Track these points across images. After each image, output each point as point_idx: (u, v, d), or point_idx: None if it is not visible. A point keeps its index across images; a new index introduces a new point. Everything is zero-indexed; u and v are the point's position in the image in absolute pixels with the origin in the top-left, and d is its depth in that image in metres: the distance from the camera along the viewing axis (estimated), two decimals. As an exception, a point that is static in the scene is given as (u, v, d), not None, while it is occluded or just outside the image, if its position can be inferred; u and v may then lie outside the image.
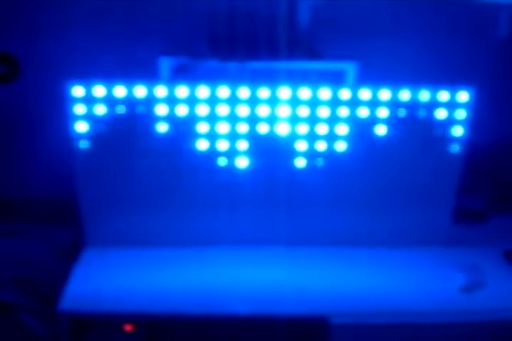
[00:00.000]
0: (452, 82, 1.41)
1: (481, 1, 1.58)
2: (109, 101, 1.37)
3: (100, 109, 1.38)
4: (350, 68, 1.48)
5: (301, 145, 1.43)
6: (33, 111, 1.69)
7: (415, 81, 1.39)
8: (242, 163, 1.44)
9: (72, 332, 1.27)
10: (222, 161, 1.44)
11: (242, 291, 1.35)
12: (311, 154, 1.44)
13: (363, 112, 1.40)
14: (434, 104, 1.41)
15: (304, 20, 1.57)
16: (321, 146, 1.43)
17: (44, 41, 1.62)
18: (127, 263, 1.45)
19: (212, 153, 1.43)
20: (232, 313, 1.28)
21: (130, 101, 1.37)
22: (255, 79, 1.39)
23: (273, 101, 1.39)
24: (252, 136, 1.42)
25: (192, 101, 1.38)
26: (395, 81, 1.39)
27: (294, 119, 1.40)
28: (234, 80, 1.38)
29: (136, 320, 1.28)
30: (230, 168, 1.44)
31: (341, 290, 1.36)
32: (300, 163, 1.44)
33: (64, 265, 1.47)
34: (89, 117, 1.38)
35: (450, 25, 1.64)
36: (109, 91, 1.37)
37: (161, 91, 1.37)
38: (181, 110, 1.39)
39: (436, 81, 1.41)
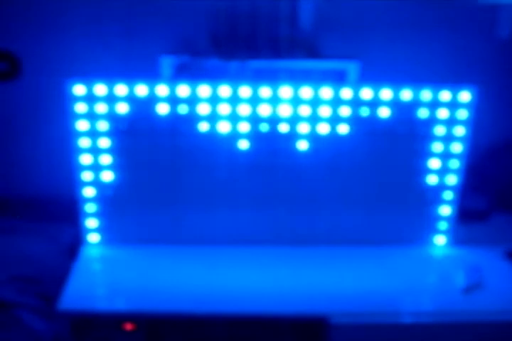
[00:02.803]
0: (454, 81, 1.41)
1: (483, 0, 1.58)
2: (111, 99, 1.37)
3: (101, 108, 1.38)
4: (351, 67, 1.48)
5: (302, 145, 1.42)
6: (34, 109, 1.68)
7: (417, 80, 1.39)
8: (244, 162, 1.43)
9: (73, 331, 1.27)
10: (223, 160, 1.43)
11: (242, 291, 1.34)
12: (312, 153, 1.43)
13: (365, 111, 1.40)
14: (435, 104, 1.41)
15: (305, 20, 1.56)
16: (322, 145, 1.42)
17: (46, 39, 1.62)
18: (128, 261, 1.45)
19: (214, 152, 1.43)
20: (232, 312, 1.27)
21: (131, 100, 1.37)
22: (257, 79, 1.39)
23: (274, 101, 1.38)
24: (254, 136, 1.42)
25: (193, 100, 1.38)
26: (397, 80, 1.39)
27: (296, 119, 1.40)
28: (235, 79, 1.38)
29: (137, 319, 1.27)
30: (232, 167, 1.44)
31: (341, 290, 1.35)
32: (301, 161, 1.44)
33: (65, 263, 1.47)
34: (90, 116, 1.38)
35: (452, 25, 1.63)
36: (111, 89, 1.36)
37: (162, 90, 1.37)
38: (183, 109, 1.39)
39: (438, 81, 1.40)
